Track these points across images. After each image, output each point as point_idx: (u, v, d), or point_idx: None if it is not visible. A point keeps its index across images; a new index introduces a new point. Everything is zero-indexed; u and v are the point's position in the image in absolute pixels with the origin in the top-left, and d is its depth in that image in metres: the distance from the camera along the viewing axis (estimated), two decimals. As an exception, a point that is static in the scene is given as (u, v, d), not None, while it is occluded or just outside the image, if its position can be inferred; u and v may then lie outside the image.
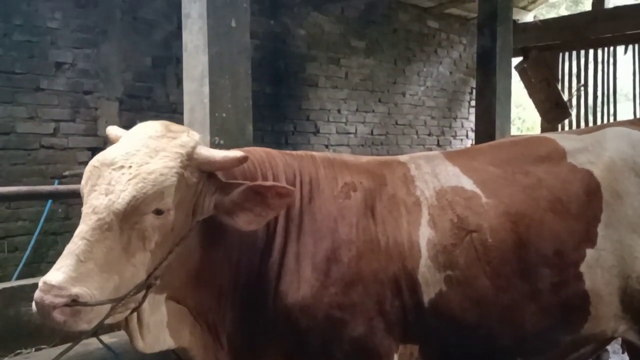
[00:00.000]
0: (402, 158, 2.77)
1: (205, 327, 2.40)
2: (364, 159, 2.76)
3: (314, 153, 2.71)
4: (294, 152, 2.68)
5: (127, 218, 2.01)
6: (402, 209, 2.52)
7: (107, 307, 1.98)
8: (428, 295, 2.43)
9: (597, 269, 2.51)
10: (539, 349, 2.57)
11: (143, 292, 2.08)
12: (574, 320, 2.56)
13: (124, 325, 2.21)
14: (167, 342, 2.31)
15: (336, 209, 2.46)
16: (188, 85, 3.59)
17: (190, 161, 2.14)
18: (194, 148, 2.17)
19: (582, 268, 2.51)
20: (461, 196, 2.55)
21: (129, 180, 2.02)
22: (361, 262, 2.39)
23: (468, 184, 2.60)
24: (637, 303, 2.54)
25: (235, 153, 2.19)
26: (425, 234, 2.47)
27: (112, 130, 2.41)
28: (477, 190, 2.57)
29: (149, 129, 2.21)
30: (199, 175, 2.17)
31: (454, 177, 2.62)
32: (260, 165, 2.49)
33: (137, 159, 2.08)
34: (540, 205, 2.54)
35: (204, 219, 2.22)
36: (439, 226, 2.49)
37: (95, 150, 5.95)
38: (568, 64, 10.63)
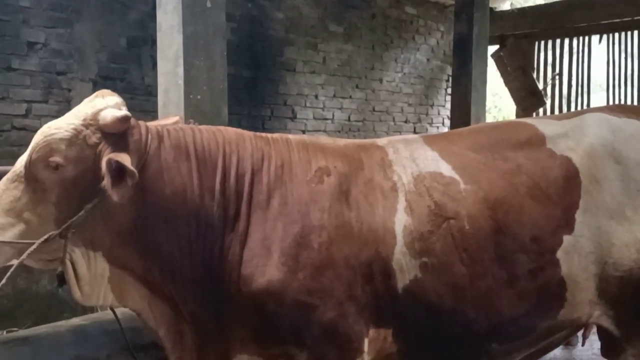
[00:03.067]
0: (381, 142, 2.74)
1: (163, 299, 2.40)
2: (342, 142, 2.72)
3: (290, 136, 2.67)
4: (269, 135, 2.64)
5: (30, 170, 2.21)
6: (379, 194, 2.51)
7: (11, 248, 2.21)
8: (402, 281, 2.43)
9: (574, 255, 2.53)
10: (515, 334, 2.59)
11: (59, 243, 2.23)
12: (550, 306, 2.58)
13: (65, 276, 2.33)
14: (107, 298, 2.41)
15: (308, 194, 2.44)
16: (162, 66, 3.54)
17: (93, 121, 2.25)
18: (100, 110, 2.27)
19: (559, 254, 2.52)
20: (439, 182, 2.54)
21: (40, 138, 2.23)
22: (332, 248, 2.38)
23: (447, 169, 2.58)
24: (613, 289, 2.57)
25: (118, 113, 2.26)
26: (401, 221, 2.46)
27: None
28: (456, 176, 2.56)
29: (87, 99, 2.38)
30: (101, 136, 2.26)
31: (433, 162, 2.61)
32: (225, 145, 2.47)
33: (60, 119, 2.29)
34: (519, 191, 2.54)
35: (138, 185, 2.24)
36: (415, 213, 2.47)
37: (68, 132, 5.88)
38: (544, 53, 10.70)
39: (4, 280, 2.21)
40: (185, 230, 2.35)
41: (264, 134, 2.66)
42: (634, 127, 2.69)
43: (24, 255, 2.20)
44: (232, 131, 2.59)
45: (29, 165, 2.22)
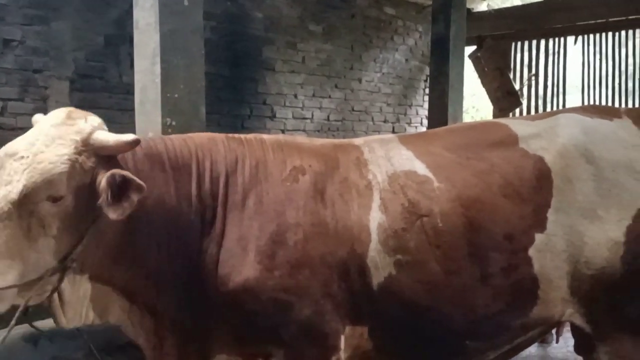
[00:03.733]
0: (357, 141, 2.78)
1: (143, 308, 2.41)
2: (319, 142, 2.75)
3: (265, 136, 2.69)
4: (242, 136, 2.66)
5: (23, 207, 2.08)
6: (354, 192, 2.53)
7: (14, 291, 2.06)
8: (377, 278, 2.46)
9: (547, 254, 2.56)
10: (489, 332, 2.62)
11: (57, 275, 2.16)
12: (523, 303, 2.61)
13: (47, 305, 2.26)
14: (89, 316, 2.37)
15: (283, 193, 2.46)
16: (139, 64, 3.53)
17: (86, 147, 2.18)
18: (90, 134, 2.20)
19: (532, 252, 2.56)
20: (413, 180, 2.57)
21: (24, 170, 2.09)
22: (308, 245, 2.40)
23: (421, 168, 2.61)
24: (585, 287, 2.60)
25: (127, 137, 2.20)
26: (375, 218, 2.49)
27: (36, 118, 2.42)
28: (430, 175, 2.59)
29: (52, 117, 2.26)
30: (96, 160, 2.19)
31: (408, 161, 2.64)
32: (197, 151, 2.47)
33: (35, 148, 2.13)
34: (493, 190, 2.57)
35: None
36: (390, 210, 2.51)
37: (44, 131, 5.82)
38: (520, 54, 10.81)
39: (12, 322, 2.12)
40: (165, 239, 2.37)
41: (237, 135, 2.67)
42: (607, 128, 2.73)
43: (27, 301, 2.12)
44: (203, 136, 2.60)
45: (22, 201, 2.08)
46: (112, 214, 2.12)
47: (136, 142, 2.20)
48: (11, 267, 2.07)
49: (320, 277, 2.40)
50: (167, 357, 2.47)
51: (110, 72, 6.56)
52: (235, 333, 2.45)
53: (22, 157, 2.12)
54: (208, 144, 2.53)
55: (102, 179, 2.13)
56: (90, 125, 2.25)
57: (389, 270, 2.46)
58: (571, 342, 2.98)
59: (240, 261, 2.37)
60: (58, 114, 2.27)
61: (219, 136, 2.62)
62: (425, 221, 2.50)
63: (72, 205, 2.16)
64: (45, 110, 6.00)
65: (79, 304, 2.32)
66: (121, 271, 2.34)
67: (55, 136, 2.19)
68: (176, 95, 3.50)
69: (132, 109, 3.81)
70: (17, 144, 2.17)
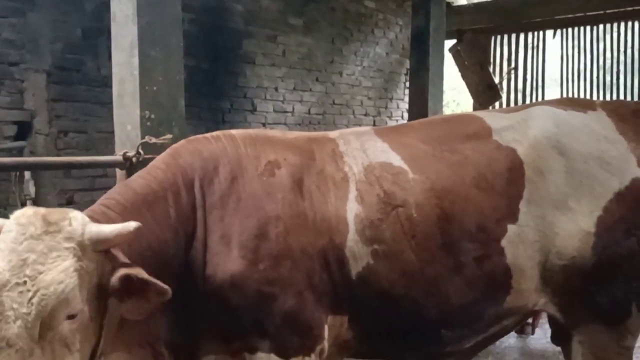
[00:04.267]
0: (332, 134, 2.80)
1: (140, 350, 2.40)
2: (292, 135, 2.77)
3: (234, 132, 2.68)
4: (208, 135, 2.65)
5: (43, 336, 1.91)
6: (330, 184, 2.56)
7: None
8: (356, 268, 2.49)
9: (519, 244, 2.60)
10: (463, 321, 2.66)
11: None
12: (497, 293, 2.65)
13: None
14: None
15: (261, 187, 2.47)
16: (117, 56, 3.51)
17: (83, 250, 2.02)
18: (82, 235, 2.03)
19: (504, 243, 2.59)
20: (389, 172, 2.60)
21: (30, 299, 1.89)
22: (289, 237, 2.42)
23: (396, 159, 2.64)
24: (557, 277, 2.64)
25: (126, 226, 2.06)
26: (352, 209, 2.52)
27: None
28: (405, 166, 2.62)
29: (27, 228, 1.99)
30: (96, 256, 2.07)
31: (383, 152, 2.67)
32: (166, 175, 2.44)
33: (29, 271, 1.92)
34: (466, 181, 2.61)
35: None
36: (366, 201, 2.53)
37: (21, 124, 5.75)
38: (500, 48, 10.89)
39: None
40: (160, 278, 2.27)
41: (201, 136, 2.66)
42: (579, 120, 2.77)
43: None
44: (167, 155, 2.58)
45: (41, 333, 1.91)
46: (131, 316, 2.09)
47: (138, 229, 2.06)
48: None
49: (302, 269, 2.43)
50: None
51: (88, 65, 6.50)
52: (222, 330, 2.46)
53: (18, 285, 1.90)
54: (173, 162, 2.51)
55: (116, 281, 2.04)
56: (78, 225, 2.05)
57: (366, 260, 2.50)
58: (550, 333, 3.02)
59: (224, 258, 2.38)
60: (32, 222, 2.00)
61: (182, 145, 2.61)
62: (401, 211, 2.53)
63: (88, 315, 2.03)
64: (22, 104, 5.99)
65: None
66: (124, 334, 2.31)
67: (46, 250, 1.97)
68: (155, 88, 3.48)
69: (111, 102, 3.79)
70: (1, 273, 1.93)
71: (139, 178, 2.48)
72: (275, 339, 2.44)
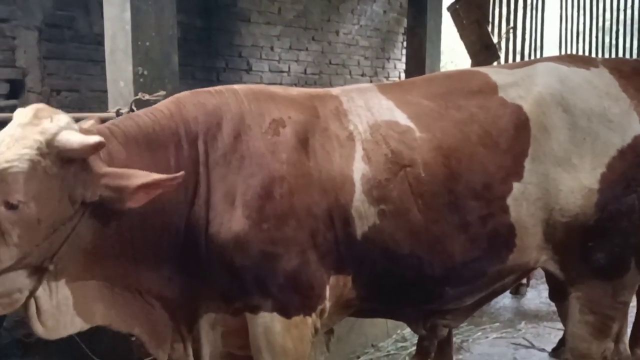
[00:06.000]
0: (334, 91, 2.74)
1: (127, 293, 2.38)
2: (294, 91, 2.70)
3: (237, 87, 2.61)
4: (212, 89, 2.58)
5: None
6: (335, 143, 2.52)
7: None
8: (361, 228, 2.48)
9: (523, 202, 2.59)
10: (466, 278, 2.66)
11: (30, 281, 2.08)
12: (500, 251, 2.65)
13: (24, 313, 2.17)
14: (75, 324, 2.28)
15: (265, 146, 2.43)
16: (108, 10, 3.42)
17: (50, 149, 2.03)
18: (54, 135, 2.03)
19: (509, 201, 2.59)
20: (395, 130, 2.56)
21: None
22: (293, 197, 2.39)
23: (402, 118, 2.60)
24: (559, 234, 2.65)
25: (91, 139, 2.05)
26: (359, 169, 2.49)
27: (16, 112, 2.23)
28: (411, 125, 2.58)
29: (21, 116, 2.11)
30: (62, 163, 2.05)
31: (388, 111, 2.62)
32: (169, 122, 2.40)
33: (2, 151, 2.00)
34: (472, 139, 2.58)
35: (101, 204, 2.15)
36: (373, 161, 2.50)
37: (13, 82, 5.65)
38: (499, 6, 10.74)
39: None
40: (151, 225, 2.32)
41: (206, 89, 2.60)
42: (582, 77, 2.74)
43: None
44: (169, 103, 2.52)
45: None
46: (137, 203, 2.13)
47: (101, 145, 2.06)
48: None
49: (306, 228, 2.40)
50: (163, 338, 2.47)
51: (80, 22, 6.35)
52: (223, 289, 2.46)
53: None
54: (177, 110, 2.45)
55: (107, 192, 2.10)
56: (56, 125, 2.08)
57: (373, 220, 2.48)
58: (544, 294, 3.05)
59: (228, 217, 2.35)
60: (25, 113, 2.11)
61: (186, 96, 2.54)
62: (408, 171, 2.50)
63: (35, 213, 2.02)
64: (14, 62, 5.89)
65: (60, 312, 2.22)
66: (104, 266, 2.29)
67: (20, 137, 2.04)
68: (147, 44, 3.41)
69: (103, 60, 3.71)
70: None
71: (145, 116, 2.42)
72: (277, 298, 2.44)
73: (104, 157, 2.19)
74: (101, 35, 6.36)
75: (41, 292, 2.15)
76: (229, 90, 2.58)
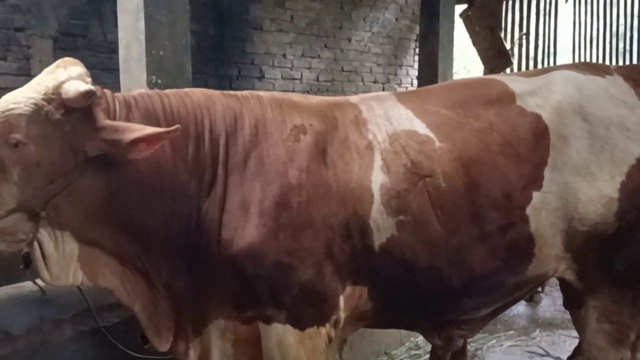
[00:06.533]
0: (354, 99, 2.72)
1: (136, 272, 2.38)
2: (314, 99, 2.69)
3: (261, 93, 2.62)
4: (239, 93, 2.59)
5: None
6: (354, 152, 2.49)
7: None
8: (379, 239, 2.45)
9: (542, 211, 2.57)
10: (485, 289, 2.64)
11: (31, 225, 2.17)
12: (519, 261, 2.63)
13: (28, 257, 2.26)
14: (77, 277, 2.33)
15: (285, 153, 2.41)
16: (123, 20, 3.42)
17: (55, 95, 2.13)
18: (62, 82, 2.13)
19: (528, 211, 2.56)
20: (415, 140, 2.54)
21: None
22: (311, 208, 2.37)
23: (421, 127, 2.58)
24: (578, 243, 2.62)
25: (82, 87, 2.12)
26: (378, 179, 2.46)
27: None
28: (431, 134, 2.56)
29: (50, 67, 2.23)
30: (65, 112, 2.14)
31: (407, 120, 2.60)
32: (195, 110, 2.40)
33: (15, 93, 2.15)
34: (492, 149, 2.56)
35: (105, 163, 2.20)
36: (392, 171, 2.48)
37: (28, 91, 5.71)
38: (511, 13, 10.72)
39: None
40: (160, 202, 2.31)
41: (233, 92, 2.60)
42: (598, 85, 2.72)
43: None
44: (199, 93, 2.51)
45: None
46: (140, 155, 2.16)
47: (90, 94, 2.12)
48: None
49: (322, 239, 2.38)
50: (163, 324, 2.45)
51: (94, 30, 6.42)
52: (235, 298, 2.42)
53: (4, 101, 2.13)
54: (206, 102, 2.45)
55: (108, 144, 2.14)
56: (67, 74, 2.18)
57: (391, 231, 2.45)
58: (559, 301, 3.02)
59: (243, 224, 2.33)
60: (56, 63, 2.24)
61: (216, 93, 2.54)
62: (428, 181, 2.48)
63: (35, 156, 2.12)
64: (29, 70, 5.94)
65: (65, 261, 2.28)
66: (107, 234, 2.30)
67: (36, 82, 2.17)
68: (161, 53, 3.40)
69: (117, 68, 3.72)
70: None
71: (172, 97, 2.44)
72: (291, 310, 2.41)
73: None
74: (115, 44, 6.41)
75: (46, 238, 2.23)
76: (254, 96, 2.58)
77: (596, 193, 2.58)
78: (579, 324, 2.88)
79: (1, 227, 2.16)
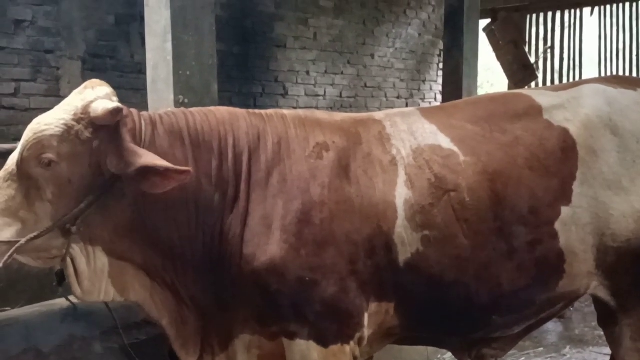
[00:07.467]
0: (378, 115, 2.72)
1: (164, 286, 2.40)
2: (339, 116, 2.69)
3: (285, 112, 2.64)
4: (263, 112, 2.61)
5: (22, 169, 2.19)
6: (378, 168, 2.49)
7: (8, 247, 2.15)
8: (404, 255, 2.43)
9: (572, 227, 2.53)
10: (514, 306, 2.60)
11: (63, 241, 2.23)
12: (549, 278, 2.58)
13: (62, 273, 2.33)
14: (109, 293, 2.37)
15: (308, 170, 2.42)
16: (150, 42, 3.48)
17: (84, 115, 2.20)
18: (90, 102, 2.20)
19: (557, 226, 2.52)
20: (439, 155, 2.52)
21: (27, 132, 2.21)
22: (333, 224, 2.36)
23: (445, 142, 2.56)
24: (610, 260, 2.57)
25: (110, 105, 2.18)
26: (402, 194, 2.45)
27: None
28: (455, 149, 2.55)
29: (80, 88, 2.32)
30: (94, 130, 2.21)
31: (431, 135, 2.59)
32: (219, 126, 2.44)
33: (47, 114, 2.24)
34: (518, 163, 2.53)
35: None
36: (416, 186, 2.46)
37: (57, 112, 5.82)
38: (535, 26, 10.66)
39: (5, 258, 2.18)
40: (185, 217, 2.34)
41: (257, 111, 2.63)
42: (630, 99, 2.68)
43: (13, 250, 2.16)
44: (224, 111, 2.55)
45: (20, 163, 2.18)
46: (152, 190, 2.17)
47: (117, 111, 2.17)
48: (9, 225, 2.18)
49: (345, 255, 2.37)
50: (190, 338, 2.47)
51: (122, 52, 6.55)
52: (259, 313, 2.43)
53: (36, 123, 2.21)
54: (230, 120, 2.49)
55: (125, 168, 2.16)
56: (94, 94, 2.26)
57: (416, 247, 2.43)
58: (590, 317, 2.96)
59: (265, 240, 2.34)
60: (85, 84, 2.33)
61: (240, 111, 2.58)
62: (453, 196, 2.46)
63: (66, 172, 2.20)
64: (58, 91, 6.05)
65: (96, 277, 2.32)
66: (136, 248, 2.34)
67: (66, 103, 2.26)
68: (188, 73, 3.45)
69: (144, 89, 3.78)
70: None
71: (197, 114, 2.48)
72: (314, 326, 2.40)
73: (147, 141, 2.30)
74: (142, 64, 6.53)
75: (78, 254, 2.27)
76: (278, 114, 2.60)
77: (629, 208, 2.53)
78: (613, 343, 2.81)
79: (39, 244, 2.21)
